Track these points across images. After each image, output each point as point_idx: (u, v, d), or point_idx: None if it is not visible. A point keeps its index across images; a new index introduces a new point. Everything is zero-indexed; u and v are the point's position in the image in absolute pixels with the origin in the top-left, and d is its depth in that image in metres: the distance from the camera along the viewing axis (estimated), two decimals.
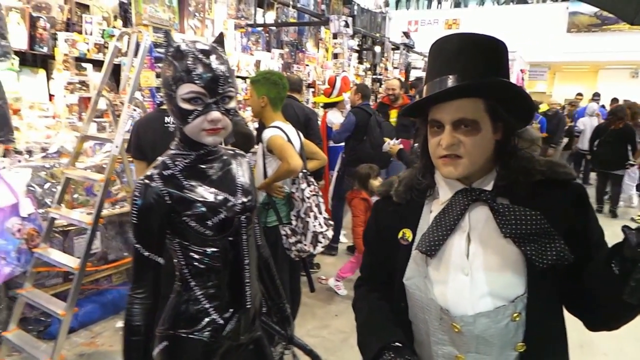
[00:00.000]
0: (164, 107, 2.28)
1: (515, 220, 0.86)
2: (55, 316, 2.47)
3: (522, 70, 14.31)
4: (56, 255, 2.58)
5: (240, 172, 1.29)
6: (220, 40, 1.22)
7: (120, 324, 3.09)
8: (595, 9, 14.09)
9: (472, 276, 0.89)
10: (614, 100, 9.09)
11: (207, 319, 1.20)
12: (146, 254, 1.12)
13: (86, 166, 3.02)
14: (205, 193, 1.18)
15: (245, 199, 1.25)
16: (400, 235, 0.99)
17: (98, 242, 3.13)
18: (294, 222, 2.51)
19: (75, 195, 3.06)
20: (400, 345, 0.90)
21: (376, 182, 3.49)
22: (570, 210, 0.89)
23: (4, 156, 2.61)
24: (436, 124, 0.90)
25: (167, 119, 2.19)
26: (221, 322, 1.22)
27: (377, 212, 1.09)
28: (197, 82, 1.09)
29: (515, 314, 0.86)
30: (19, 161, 2.80)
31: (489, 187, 0.92)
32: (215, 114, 1.11)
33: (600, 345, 2.99)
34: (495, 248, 0.89)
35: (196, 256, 1.19)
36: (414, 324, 0.99)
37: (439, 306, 0.91)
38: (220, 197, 1.20)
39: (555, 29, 14.34)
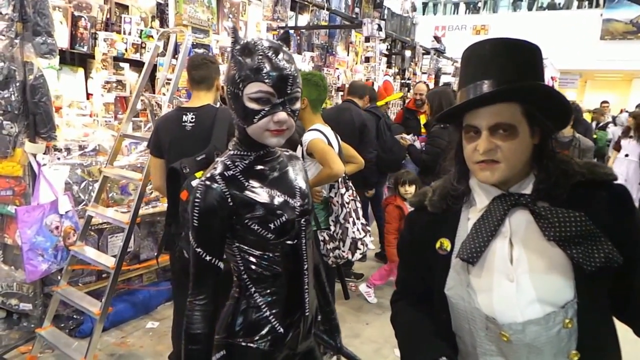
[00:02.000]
0: (184, 106, 2.28)
1: (559, 223, 0.84)
2: (90, 315, 2.46)
3: (552, 78, 13.97)
4: (92, 254, 2.58)
5: (297, 174, 1.25)
6: (286, 38, 1.17)
7: (150, 324, 3.07)
8: (631, 16, 13.70)
9: (517, 282, 0.86)
10: (638, 105, 8.78)
11: (267, 328, 1.15)
12: (208, 258, 1.08)
13: (121, 165, 3.02)
14: (267, 195, 1.13)
15: (303, 201, 1.20)
16: (438, 245, 0.97)
17: (131, 242, 3.12)
18: (332, 228, 2.44)
19: (111, 194, 3.07)
20: (447, 359, 0.87)
21: (403, 189, 3.39)
22: (613, 211, 0.86)
23: (45, 153, 2.62)
24: (472, 129, 0.89)
25: (184, 118, 2.17)
26: (281, 330, 1.16)
27: (411, 224, 1.07)
28: (266, 81, 1.04)
29: (567, 320, 0.83)
30: (58, 158, 2.82)
31: (528, 191, 0.90)
32: (282, 115, 1.07)
33: None
34: (540, 252, 0.86)
35: (256, 261, 1.14)
36: (459, 336, 0.95)
37: (484, 315, 0.88)
38: (281, 199, 1.15)
39: (589, 36, 13.99)
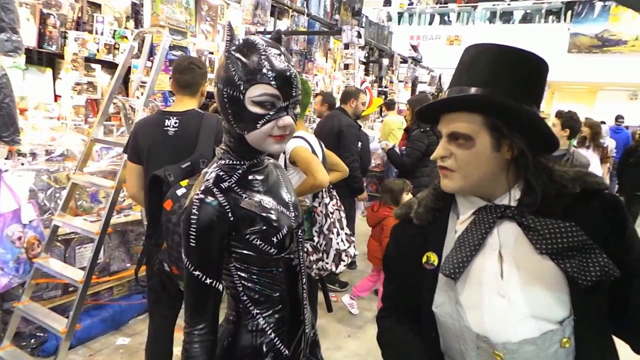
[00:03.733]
0: (166, 109, 2.16)
1: (550, 235, 0.80)
2: (55, 333, 2.28)
3: None
4: (57, 266, 2.41)
5: (286, 184, 1.16)
6: (278, 39, 1.08)
7: (121, 340, 2.90)
8: (596, 31, 14.27)
9: (509, 297, 0.82)
10: (619, 117, 9.03)
11: (273, 352, 1.05)
12: (209, 281, 0.96)
13: (91, 171, 2.85)
14: (266, 207, 1.04)
15: (296, 212, 1.12)
16: (424, 259, 0.92)
17: (100, 253, 2.95)
18: (315, 239, 2.36)
19: (80, 202, 2.89)
20: None
21: (407, 197, 3.31)
22: (606, 222, 0.83)
23: (7, 158, 2.44)
24: (440, 134, 0.90)
25: (167, 122, 2.05)
26: (287, 353, 1.07)
27: (397, 237, 1.02)
28: (272, 83, 0.95)
29: (565, 339, 0.79)
30: (22, 164, 2.63)
31: (513, 204, 0.86)
32: (288, 120, 0.98)
33: None
34: (532, 266, 0.82)
35: (257, 279, 1.04)
36: (448, 355, 0.90)
37: (475, 334, 0.83)
38: (279, 210, 1.06)
39: (557, 49, 14.46)
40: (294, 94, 0.98)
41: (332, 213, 2.37)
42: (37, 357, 2.54)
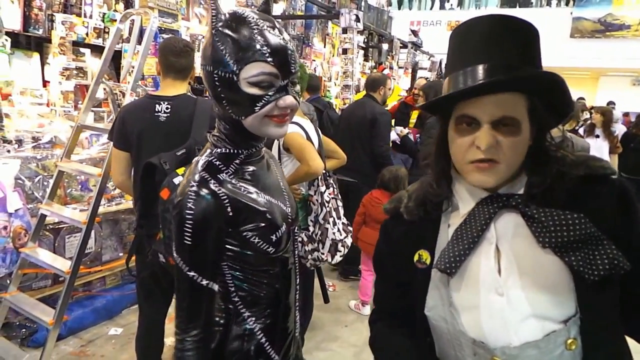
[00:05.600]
0: (156, 94, 2.05)
1: (555, 227, 0.73)
2: (43, 324, 2.23)
3: None
4: (45, 256, 2.34)
5: (280, 175, 1.08)
6: (266, 9, 0.97)
7: (113, 330, 2.85)
8: (599, 15, 14.05)
9: (508, 296, 0.75)
10: (610, 103, 8.86)
11: (262, 358, 0.97)
12: (205, 282, 0.89)
13: (81, 158, 2.77)
14: (264, 201, 0.95)
15: (291, 206, 1.04)
16: (416, 258, 0.85)
17: (92, 242, 2.88)
18: (311, 228, 2.29)
19: (69, 190, 2.81)
20: None
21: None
22: (613, 209, 0.77)
23: None
24: (468, 120, 0.76)
25: (157, 108, 1.95)
26: (277, 358, 0.99)
27: (386, 233, 0.94)
28: (269, 60, 0.85)
29: (570, 341, 0.72)
30: (8, 151, 2.56)
31: (519, 192, 0.79)
32: (289, 99, 0.88)
33: None
34: (533, 260, 0.76)
35: (252, 279, 0.96)
36: None
37: (471, 339, 0.76)
38: (277, 206, 0.98)
39: (559, 34, 14.27)
40: (293, 71, 0.89)
41: (328, 202, 2.30)
42: (27, 348, 2.49)
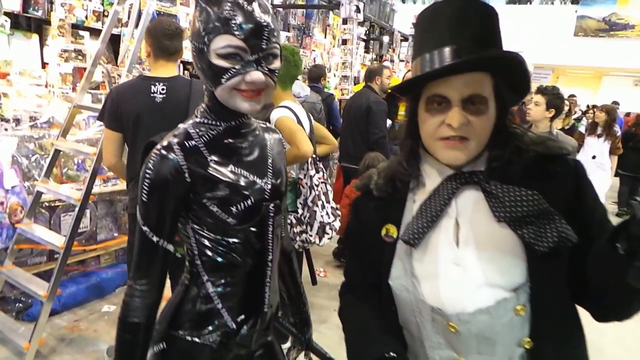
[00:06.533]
0: (150, 75, 2.08)
1: (510, 202, 0.78)
2: (37, 297, 2.29)
3: None
4: (40, 232, 2.40)
5: (273, 151, 1.09)
6: None
7: (106, 308, 2.92)
8: (604, 14, 14.01)
9: (464, 266, 0.80)
10: (614, 103, 8.79)
11: (217, 322, 1.02)
12: (155, 239, 0.93)
13: (77, 139, 2.82)
14: (232, 173, 0.98)
15: (275, 182, 1.06)
16: (384, 232, 0.89)
17: (87, 221, 2.95)
18: (300, 211, 2.34)
19: (65, 170, 2.87)
20: (395, 356, 0.79)
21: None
22: (567, 187, 0.81)
23: None
24: (439, 100, 0.80)
25: (153, 89, 1.98)
26: (233, 326, 1.03)
27: (357, 210, 0.98)
28: (236, 33, 0.88)
29: (519, 307, 0.77)
30: (5, 129, 2.60)
31: (481, 169, 0.84)
32: (256, 75, 0.90)
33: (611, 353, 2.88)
34: (489, 233, 0.81)
35: (212, 247, 1.00)
36: (405, 328, 0.89)
37: (430, 306, 0.81)
38: (248, 179, 1.01)
39: (563, 32, 14.22)
40: (264, 47, 0.91)
41: (317, 185, 2.35)
42: (22, 322, 2.55)
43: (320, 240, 2.37)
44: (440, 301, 0.80)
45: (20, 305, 2.66)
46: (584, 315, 0.85)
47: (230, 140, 1.00)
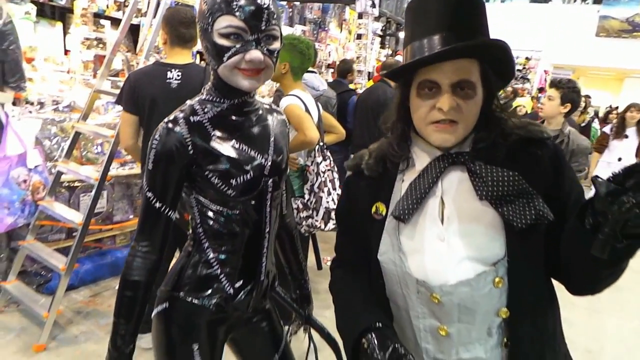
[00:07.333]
0: (166, 62, 2.18)
1: (492, 182, 0.83)
2: (56, 270, 2.42)
3: (545, 72, 13.96)
4: (61, 210, 2.53)
5: (275, 129, 1.16)
6: None
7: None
8: (628, 14, 13.70)
9: (448, 241, 0.85)
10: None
11: (216, 286, 1.10)
12: (158, 205, 1.00)
13: (97, 123, 2.95)
14: (233, 148, 1.06)
15: (276, 160, 1.13)
16: (373, 209, 0.94)
17: (104, 202, 3.07)
18: (306, 196, 2.42)
19: (85, 152, 3.00)
20: (381, 326, 0.84)
21: None
22: (547, 169, 0.86)
23: (15, 105, 2.54)
24: (429, 85, 0.84)
25: (169, 75, 2.07)
26: (231, 291, 1.11)
27: (348, 188, 1.03)
28: (237, 14, 0.94)
29: (497, 279, 0.82)
30: (30, 112, 2.74)
31: (467, 149, 0.89)
32: (254, 54, 0.96)
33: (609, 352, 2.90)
34: (471, 211, 0.86)
35: (213, 216, 1.08)
36: (392, 301, 0.94)
37: (415, 279, 0.86)
38: (249, 155, 1.08)
39: (584, 32, 13.96)
40: (263, 28, 0.97)
41: (323, 172, 2.43)
42: (41, 294, 2.69)
43: (325, 225, 2.45)
44: (425, 274, 0.85)
45: (41, 278, 2.80)
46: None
47: (233, 118, 1.08)
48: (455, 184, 0.88)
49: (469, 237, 0.84)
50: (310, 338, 1.43)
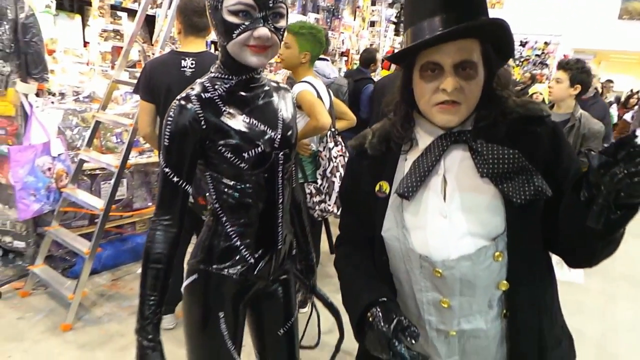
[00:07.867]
0: (180, 50, 2.23)
1: (493, 160, 0.85)
2: (80, 254, 2.53)
3: (565, 56, 13.62)
4: (83, 196, 2.63)
5: (283, 106, 1.21)
6: None
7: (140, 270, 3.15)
8: None
9: (450, 218, 0.87)
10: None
11: (237, 256, 1.16)
12: (176, 179, 1.05)
13: (116, 113, 3.03)
14: (244, 123, 1.11)
15: (285, 133, 1.18)
16: (377, 188, 0.96)
17: (124, 189, 3.18)
18: (319, 181, 2.47)
19: (105, 142, 3.10)
20: (385, 300, 0.87)
21: None
22: (546, 146, 0.88)
23: (38, 96, 2.63)
24: (432, 66, 0.85)
25: (183, 63, 2.12)
26: (252, 261, 1.18)
27: (351, 167, 1.05)
28: None
29: (497, 253, 0.85)
30: (52, 102, 2.84)
31: (468, 128, 0.90)
32: (262, 30, 1.01)
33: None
34: (472, 188, 0.88)
35: (228, 190, 1.13)
36: (395, 276, 0.96)
37: (418, 254, 0.89)
38: (259, 129, 1.13)
39: (606, 15, 13.55)
40: (271, 5, 1.01)
41: (335, 158, 2.46)
42: (67, 277, 2.81)
43: (338, 210, 2.49)
44: (428, 249, 0.88)
45: (66, 263, 2.93)
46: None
47: (243, 93, 1.12)
48: (457, 162, 0.90)
49: (471, 214, 0.87)
50: (314, 306, 1.50)
